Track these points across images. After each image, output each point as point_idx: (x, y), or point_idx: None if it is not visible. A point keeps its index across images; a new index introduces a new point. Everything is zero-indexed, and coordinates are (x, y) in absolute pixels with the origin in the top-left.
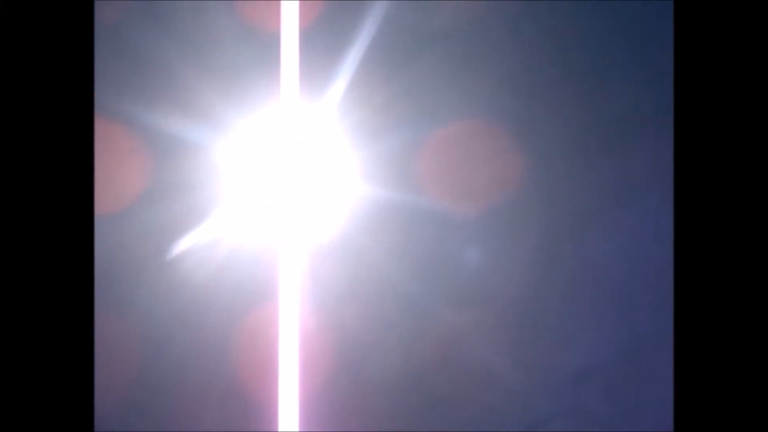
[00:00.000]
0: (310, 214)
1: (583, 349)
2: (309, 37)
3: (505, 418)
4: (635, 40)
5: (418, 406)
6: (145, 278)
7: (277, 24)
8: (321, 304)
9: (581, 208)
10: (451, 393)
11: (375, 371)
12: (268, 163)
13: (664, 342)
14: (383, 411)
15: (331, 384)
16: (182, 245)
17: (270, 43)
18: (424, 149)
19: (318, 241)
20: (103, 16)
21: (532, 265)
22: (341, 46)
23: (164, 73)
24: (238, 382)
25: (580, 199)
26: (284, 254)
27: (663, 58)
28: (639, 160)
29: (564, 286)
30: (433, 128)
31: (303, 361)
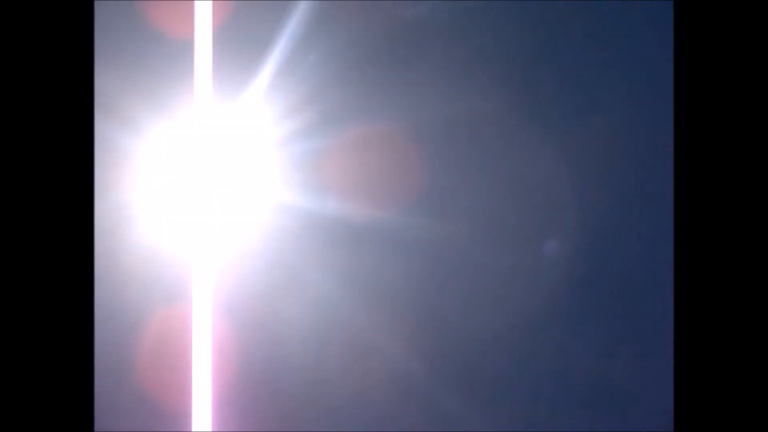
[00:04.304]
0: (224, 218)
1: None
2: (222, 39)
3: (418, 419)
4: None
5: (328, 409)
6: None
7: (190, 27)
8: (234, 308)
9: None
10: (361, 395)
11: (287, 374)
12: (182, 166)
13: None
14: (295, 416)
15: (243, 387)
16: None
17: (183, 47)
18: (337, 153)
19: (231, 245)
20: None
21: (441, 270)
22: (255, 48)
23: None
24: (148, 386)
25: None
26: (198, 257)
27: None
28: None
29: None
30: (347, 131)
31: (215, 365)
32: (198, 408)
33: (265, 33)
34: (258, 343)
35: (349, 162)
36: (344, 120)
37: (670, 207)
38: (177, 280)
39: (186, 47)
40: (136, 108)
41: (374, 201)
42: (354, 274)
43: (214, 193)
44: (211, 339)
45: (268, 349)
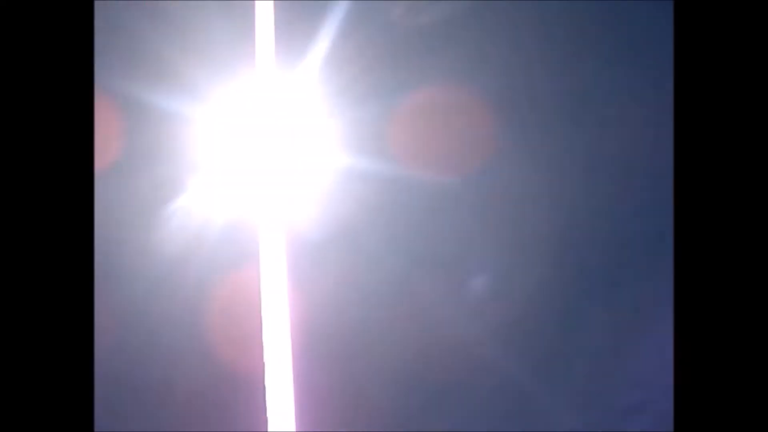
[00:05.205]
0: (288, 183)
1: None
2: (284, 5)
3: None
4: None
5: (394, 372)
6: (124, 245)
7: None
8: (300, 271)
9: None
10: (424, 360)
11: (353, 337)
12: (246, 131)
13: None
14: (362, 378)
15: (310, 349)
16: (161, 211)
17: (245, 12)
18: (401, 117)
19: (297, 210)
20: None
21: (510, 236)
22: (317, 14)
23: (140, 44)
24: (217, 349)
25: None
26: (264, 224)
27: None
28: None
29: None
30: (410, 96)
31: (285, 327)
32: (269, 369)
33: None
34: (324, 307)
35: (411, 127)
36: (405, 86)
37: (670, 207)
38: (245, 244)
39: (248, 14)
40: (197, 75)
41: (439, 165)
42: (415, 238)
43: (278, 158)
44: (279, 300)
45: (335, 313)
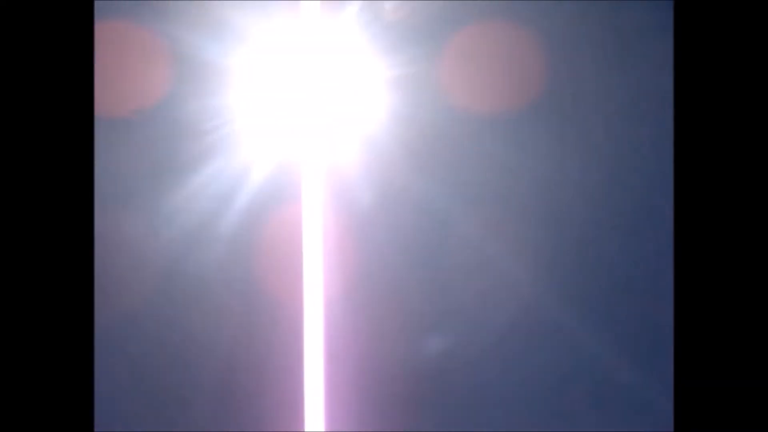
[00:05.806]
0: (331, 124)
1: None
2: None
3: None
4: None
5: (441, 316)
6: (165, 184)
7: None
8: (344, 214)
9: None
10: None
11: (396, 279)
12: (289, 73)
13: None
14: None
15: (352, 293)
16: (203, 152)
17: None
18: (447, 56)
19: (340, 151)
20: None
21: (552, 167)
22: None
23: None
24: (260, 286)
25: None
26: (306, 165)
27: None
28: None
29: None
30: (458, 34)
31: (326, 268)
32: (309, 304)
33: None
34: (367, 245)
35: (457, 67)
36: (453, 23)
37: (671, 207)
38: (288, 187)
39: None
40: (241, 16)
41: (484, 103)
42: (464, 175)
43: (322, 98)
44: (321, 244)
45: (377, 259)
